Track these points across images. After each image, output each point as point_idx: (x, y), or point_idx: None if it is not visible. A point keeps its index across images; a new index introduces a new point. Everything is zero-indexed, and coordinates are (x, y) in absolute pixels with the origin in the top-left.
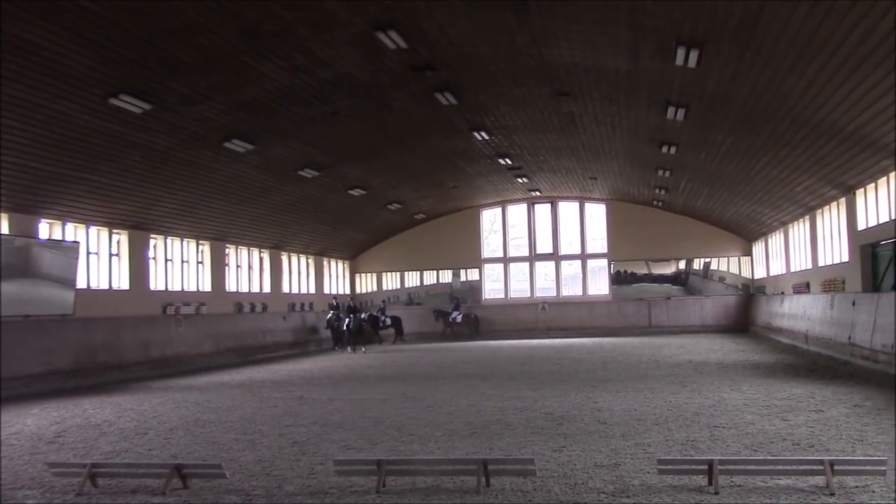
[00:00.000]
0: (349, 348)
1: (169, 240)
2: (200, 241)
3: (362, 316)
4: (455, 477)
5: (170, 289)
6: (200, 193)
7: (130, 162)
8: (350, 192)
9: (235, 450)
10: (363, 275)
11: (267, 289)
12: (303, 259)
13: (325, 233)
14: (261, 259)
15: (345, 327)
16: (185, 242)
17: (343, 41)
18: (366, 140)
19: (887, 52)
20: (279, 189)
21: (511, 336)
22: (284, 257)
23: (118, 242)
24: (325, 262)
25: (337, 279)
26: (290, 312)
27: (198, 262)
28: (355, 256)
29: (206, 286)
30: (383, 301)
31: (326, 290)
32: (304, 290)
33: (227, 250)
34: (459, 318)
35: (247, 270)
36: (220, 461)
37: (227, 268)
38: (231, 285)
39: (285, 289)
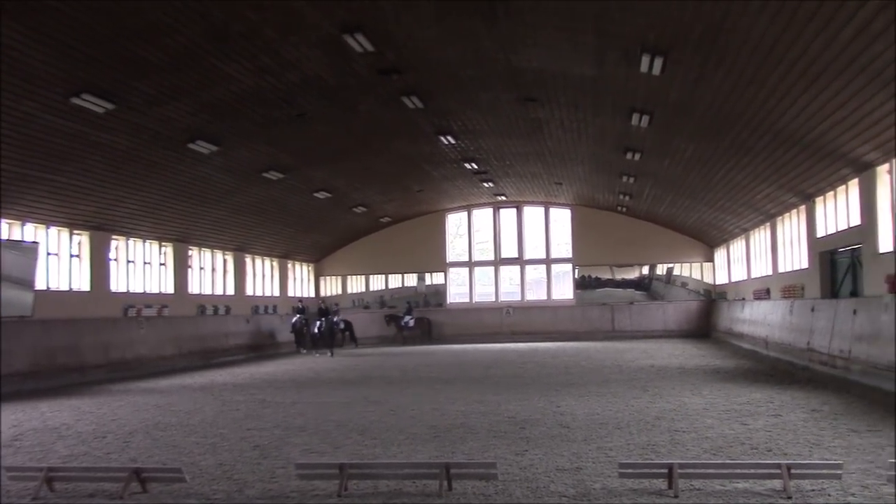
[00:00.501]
0: (317, 352)
1: (131, 241)
2: (163, 243)
3: (335, 319)
4: (417, 481)
5: (131, 290)
6: (163, 194)
7: (92, 162)
8: (315, 194)
9: (196, 453)
10: (328, 278)
11: (230, 291)
12: (267, 261)
13: (290, 235)
14: (224, 261)
15: (315, 330)
16: (147, 244)
17: (310, 43)
18: (332, 143)
19: (846, 63)
20: (243, 191)
21: (475, 340)
22: (248, 259)
23: (79, 243)
24: (290, 265)
25: (301, 282)
26: (253, 315)
27: (160, 264)
28: (320, 259)
29: (169, 288)
30: (335, 304)
31: (291, 293)
32: (268, 293)
33: (190, 252)
34: (412, 323)
35: (210, 272)
36: (181, 465)
37: (189, 270)
38: (194, 287)
39: (249, 291)
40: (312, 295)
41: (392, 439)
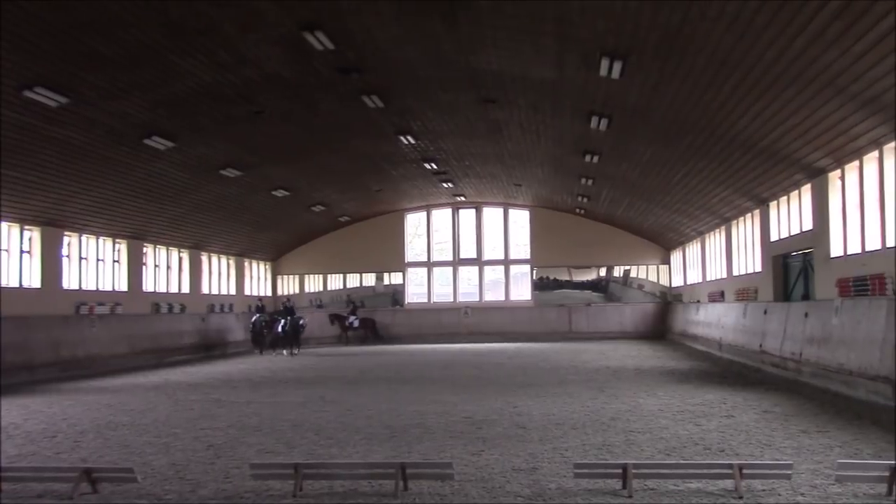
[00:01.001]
0: (277, 352)
1: (84, 237)
2: (117, 240)
3: (301, 321)
4: (373, 481)
5: (84, 288)
6: (118, 191)
7: (45, 156)
8: (273, 192)
9: (148, 453)
10: (285, 277)
11: (186, 289)
12: (223, 259)
13: (247, 233)
14: (180, 259)
15: (279, 329)
16: (100, 240)
17: (270, 40)
18: (290, 141)
19: (799, 71)
20: (200, 188)
21: (433, 340)
22: (204, 257)
23: (30, 239)
24: (247, 263)
25: (258, 281)
26: (209, 314)
27: (114, 261)
28: (278, 258)
29: (122, 286)
30: (284, 303)
31: (248, 292)
32: (224, 291)
33: (144, 249)
34: (356, 323)
35: (165, 270)
36: (132, 465)
37: (144, 267)
38: (148, 285)
39: (205, 290)
40: (269, 294)
41: (348, 439)
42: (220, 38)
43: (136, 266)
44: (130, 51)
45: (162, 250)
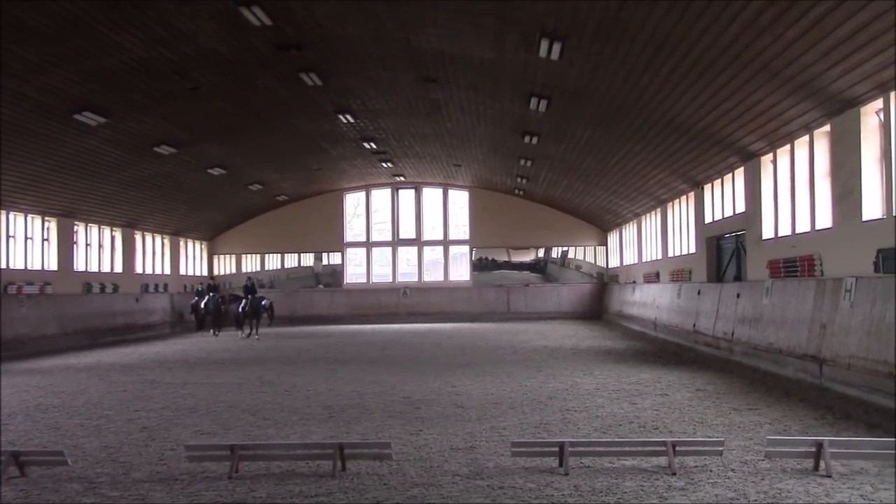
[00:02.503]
0: (241, 332)
1: (11, 215)
2: (46, 218)
3: (262, 300)
4: (310, 461)
5: (12, 267)
6: (47, 167)
7: None
8: (209, 170)
9: (79, 436)
10: (222, 256)
11: (119, 269)
12: (158, 238)
13: (183, 212)
14: (112, 237)
15: (240, 309)
16: (29, 218)
17: (206, 15)
18: (227, 118)
19: (734, 56)
20: (133, 165)
21: (372, 321)
22: (138, 236)
23: None
24: (182, 243)
25: (194, 260)
26: (143, 293)
27: (43, 240)
28: (214, 237)
29: (52, 265)
30: (245, 282)
31: (182, 272)
32: (158, 271)
33: (75, 227)
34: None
35: (97, 249)
36: (62, 448)
37: (75, 246)
38: (79, 264)
39: (139, 269)
40: (205, 273)
41: (286, 420)
42: (153, 12)
43: (66, 245)
44: (59, 22)
45: (94, 228)
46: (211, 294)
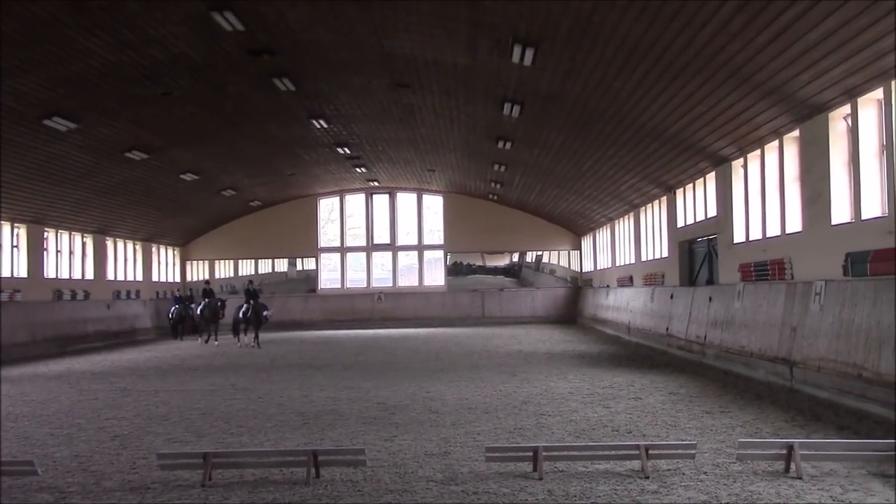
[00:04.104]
0: (238, 339)
1: None
2: (16, 224)
3: (266, 310)
4: (284, 469)
5: None
6: (16, 173)
7: None
8: (182, 176)
9: (50, 445)
10: (195, 262)
11: (90, 275)
12: (130, 245)
13: (155, 218)
14: (83, 244)
15: (240, 315)
16: None
17: (176, 19)
18: (199, 123)
19: (705, 61)
20: (104, 171)
21: (347, 326)
22: (109, 243)
23: None
24: (154, 249)
25: (167, 266)
26: (114, 300)
27: (13, 246)
28: (186, 243)
29: (22, 272)
30: (246, 287)
31: (155, 278)
32: (130, 278)
33: (45, 234)
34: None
35: (67, 256)
36: (32, 457)
37: (45, 253)
38: (50, 271)
39: (110, 276)
40: (178, 280)
41: (259, 427)
42: (122, 16)
43: (36, 251)
44: (25, 26)
45: (64, 235)
46: (207, 299)
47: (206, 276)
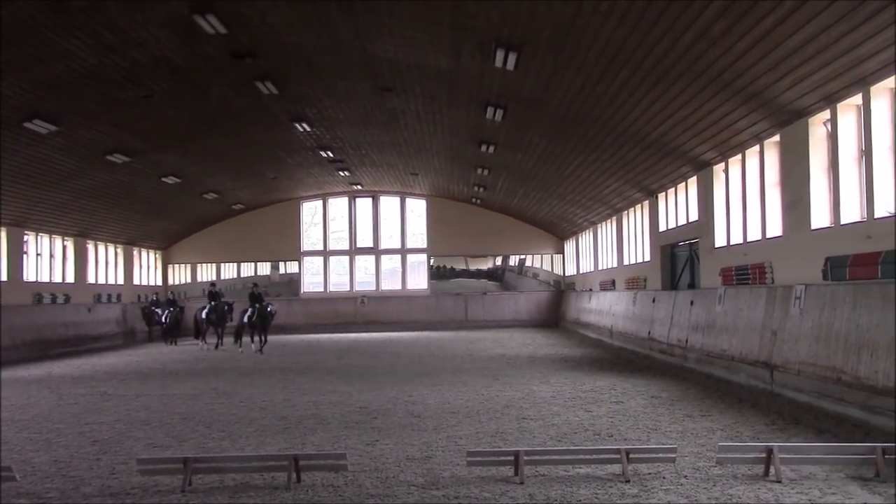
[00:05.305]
0: (239, 343)
1: None
2: None
3: (269, 307)
4: (265, 474)
5: None
6: None
7: None
8: (163, 179)
9: (28, 450)
10: (177, 266)
11: (70, 279)
12: (111, 248)
13: (137, 221)
14: (64, 247)
15: (245, 318)
16: None
17: (158, 22)
18: (181, 126)
19: (687, 66)
20: (85, 174)
21: (330, 330)
22: (91, 246)
23: None
24: (136, 252)
25: (148, 270)
26: (95, 304)
27: None
28: (168, 247)
29: (2, 275)
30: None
31: (136, 281)
32: (111, 281)
33: (25, 237)
34: (169, 319)
35: (48, 259)
36: (10, 463)
37: (25, 256)
38: (30, 274)
39: (91, 279)
40: (160, 283)
41: (240, 432)
42: (103, 18)
43: (15, 255)
44: (5, 28)
45: (45, 238)
46: (213, 303)
47: (213, 279)
